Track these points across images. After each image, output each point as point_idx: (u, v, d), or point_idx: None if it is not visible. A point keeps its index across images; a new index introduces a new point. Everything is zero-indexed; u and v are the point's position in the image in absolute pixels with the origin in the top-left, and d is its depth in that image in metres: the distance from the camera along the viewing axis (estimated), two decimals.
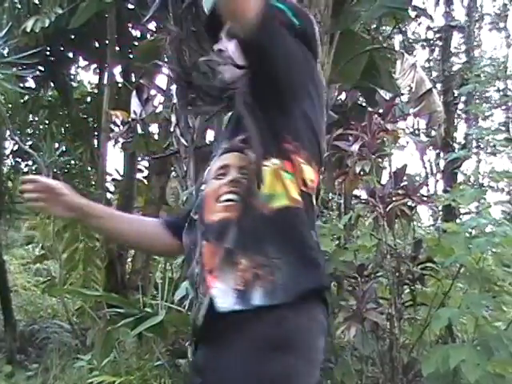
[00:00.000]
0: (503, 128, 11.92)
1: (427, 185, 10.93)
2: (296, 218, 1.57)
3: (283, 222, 1.56)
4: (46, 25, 5.83)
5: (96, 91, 8.20)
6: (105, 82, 7.04)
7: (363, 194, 4.28)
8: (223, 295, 1.50)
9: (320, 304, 1.57)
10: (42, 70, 7.34)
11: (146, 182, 8.07)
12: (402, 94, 5.22)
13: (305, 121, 1.63)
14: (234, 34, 1.50)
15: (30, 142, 7.57)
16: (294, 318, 1.49)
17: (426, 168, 12.07)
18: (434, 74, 12.29)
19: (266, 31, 1.43)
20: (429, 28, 12.28)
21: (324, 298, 1.58)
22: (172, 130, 5.11)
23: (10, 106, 6.96)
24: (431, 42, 12.56)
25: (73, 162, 7.67)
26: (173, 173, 6.77)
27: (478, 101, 12.26)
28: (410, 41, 12.05)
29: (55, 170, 6.50)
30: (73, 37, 7.48)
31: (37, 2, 6.49)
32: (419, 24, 12.18)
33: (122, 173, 7.82)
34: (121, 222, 1.89)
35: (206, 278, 1.55)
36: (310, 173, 1.63)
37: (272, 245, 1.53)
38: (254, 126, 1.56)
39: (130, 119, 5.39)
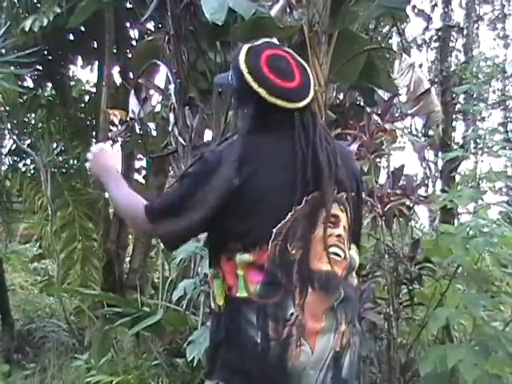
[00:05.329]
0: (501, 128, 11.92)
1: (426, 185, 10.93)
2: None
3: None
4: (45, 24, 5.81)
5: (94, 90, 8.17)
6: (103, 81, 7.02)
7: None
8: None
9: None
10: (40, 69, 7.31)
11: (143, 181, 8.06)
12: (400, 94, 5.21)
13: None
14: None
15: (28, 141, 7.53)
16: None
17: (424, 168, 12.07)
18: (432, 74, 12.28)
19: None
20: (427, 28, 12.27)
21: None
22: (170, 129, 5.12)
23: (8, 104, 6.94)
24: (429, 42, 12.56)
25: (71, 161, 7.63)
26: (171, 172, 6.76)
27: (475, 101, 12.25)
28: (409, 41, 12.03)
29: (53, 169, 6.49)
30: (71, 36, 7.47)
31: (35, 1, 6.48)
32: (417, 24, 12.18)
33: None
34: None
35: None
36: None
37: None
38: None
39: (128, 118, 5.39)
